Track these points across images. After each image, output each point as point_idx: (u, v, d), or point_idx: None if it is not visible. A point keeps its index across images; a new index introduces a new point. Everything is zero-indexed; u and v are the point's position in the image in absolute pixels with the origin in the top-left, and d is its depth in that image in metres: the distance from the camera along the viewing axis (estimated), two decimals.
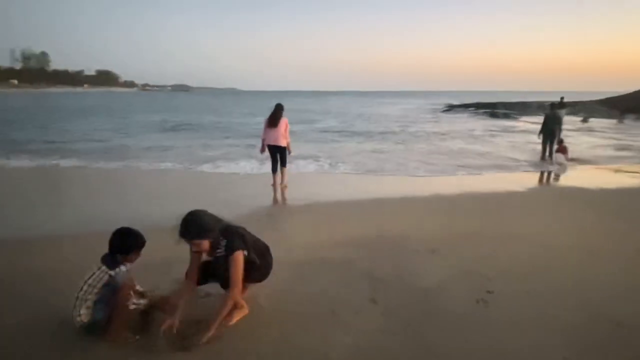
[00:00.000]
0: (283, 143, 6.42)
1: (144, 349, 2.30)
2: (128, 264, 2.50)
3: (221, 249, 2.47)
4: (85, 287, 2.37)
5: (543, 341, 2.42)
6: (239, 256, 2.40)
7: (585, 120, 21.42)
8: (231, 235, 2.45)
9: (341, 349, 2.31)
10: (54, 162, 9.21)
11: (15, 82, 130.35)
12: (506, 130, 17.85)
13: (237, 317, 2.59)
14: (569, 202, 6.05)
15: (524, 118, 23.94)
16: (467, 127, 18.98)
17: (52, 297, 2.80)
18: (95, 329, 2.39)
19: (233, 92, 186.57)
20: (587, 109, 25.98)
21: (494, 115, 26.11)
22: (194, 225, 2.37)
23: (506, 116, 25.59)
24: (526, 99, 39.82)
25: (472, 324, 2.61)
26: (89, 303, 2.38)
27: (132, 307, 2.48)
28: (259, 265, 2.59)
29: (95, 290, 2.38)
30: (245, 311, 2.65)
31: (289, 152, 6.59)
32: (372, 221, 4.72)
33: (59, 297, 2.68)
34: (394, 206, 5.48)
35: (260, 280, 2.72)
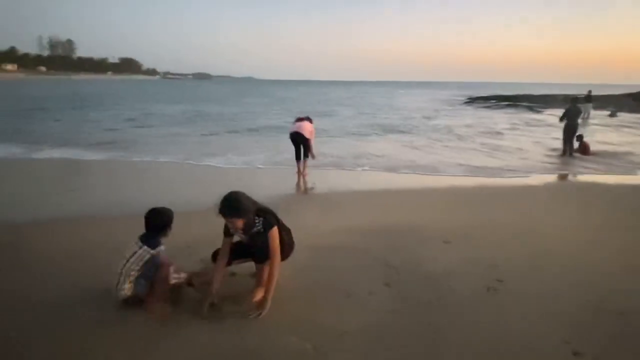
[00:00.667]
0: (306, 134, 6.84)
1: (175, 320, 2.53)
2: (163, 240, 2.73)
3: (258, 227, 2.70)
4: (128, 264, 2.60)
5: (548, 327, 2.53)
6: (276, 231, 2.69)
7: (613, 115, 20.74)
8: (266, 214, 2.72)
9: (355, 326, 2.49)
10: (92, 153, 9.64)
11: (44, 69, 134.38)
12: (530, 124, 17.48)
13: (260, 295, 2.79)
14: (584, 197, 6.02)
15: (549, 111, 23.36)
16: (493, 121, 18.63)
17: (91, 273, 3.06)
18: (136, 302, 2.63)
19: (251, 81, 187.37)
20: (616, 102, 25.10)
21: (516, 108, 25.52)
22: (233, 204, 2.58)
23: (530, 109, 25.00)
24: (549, 91, 38.72)
25: (480, 309, 2.73)
26: (132, 278, 2.61)
27: (173, 281, 2.73)
28: (285, 243, 2.83)
29: (137, 267, 2.62)
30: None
31: (312, 157, 7.00)
32: (389, 212, 4.85)
33: (97, 273, 2.93)
34: (411, 198, 5.59)
35: (284, 259, 2.91)
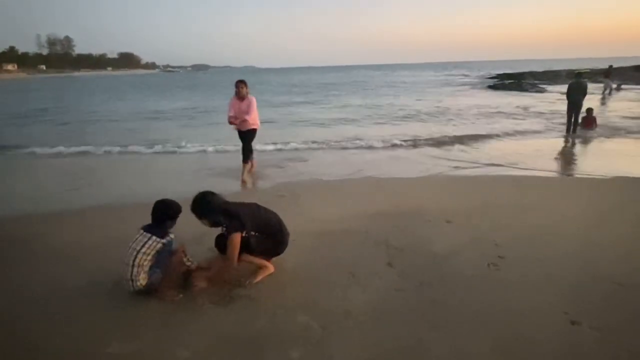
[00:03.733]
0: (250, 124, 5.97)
1: (186, 305, 2.64)
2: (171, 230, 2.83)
3: (223, 230, 2.87)
4: (139, 256, 2.66)
5: (548, 300, 2.62)
6: (234, 237, 2.75)
7: (618, 88, 20.46)
8: (229, 218, 2.79)
9: (359, 305, 2.58)
10: (103, 148, 9.76)
11: (44, 67, 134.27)
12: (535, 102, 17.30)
13: (261, 276, 2.91)
14: (586, 177, 6.04)
15: (554, 87, 23.07)
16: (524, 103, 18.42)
17: (105, 263, 3.17)
18: (149, 291, 2.72)
19: (251, 70, 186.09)
20: (621, 75, 24.69)
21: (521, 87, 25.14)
22: (197, 205, 2.80)
23: (534, 87, 24.65)
24: (552, 67, 38.08)
25: (482, 285, 2.82)
26: (146, 268, 2.70)
27: (187, 263, 2.86)
28: (269, 243, 2.92)
29: (149, 257, 2.70)
30: (270, 270, 2.97)
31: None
32: (393, 197, 4.89)
33: (111, 263, 3.04)
34: (411, 184, 5.62)
35: (274, 255, 3.01)
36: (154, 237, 2.72)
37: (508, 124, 11.34)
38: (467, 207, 4.47)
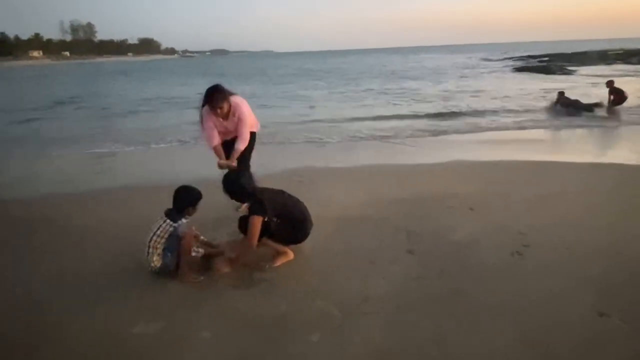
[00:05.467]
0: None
1: (207, 288, 2.69)
2: (188, 217, 2.88)
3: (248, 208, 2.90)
4: (154, 238, 2.77)
5: (575, 291, 2.54)
6: (255, 220, 2.76)
7: None
8: (254, 201, 2.81)
9: (379, 291, 2.57)
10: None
11: (67, 53, 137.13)
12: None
13: (281, 261, 2.93)
14: (617, 163, 5.78)
15: (585, 69, 22.12)
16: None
17: (130, 244, 3.24)
18: (165, 272, 2.81)
19: (269, 55, 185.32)
20: None
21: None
22: (232, 185, 2.87)
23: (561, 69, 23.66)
24: (581, 48, 36.41)
25: (506, 274, 2.76)
26: (159, 251, 2.79)
27: (192, 254, 2.90)
28: (290, 231, 2.93)
29: (163, 240, 2.78)
30: (289, 256, 2.98)
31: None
32: (413, 184, 4.80)
33: (136, 244, 3.09)
34: (431, 170, 5.50)
35: (294, 243, 3.01)
36: (168, 221, 2.79)
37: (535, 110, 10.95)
38: (490, 193, 4.36)
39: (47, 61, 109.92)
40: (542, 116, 10.06)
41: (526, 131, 8.51)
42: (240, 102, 3.70)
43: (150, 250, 2.77)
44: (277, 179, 4.33)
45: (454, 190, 4.50)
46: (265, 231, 2.83)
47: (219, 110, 3.53)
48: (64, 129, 10.45)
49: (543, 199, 4.15)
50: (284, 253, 2.97)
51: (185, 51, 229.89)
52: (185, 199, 2.85)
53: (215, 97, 3.48)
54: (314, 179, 5.20)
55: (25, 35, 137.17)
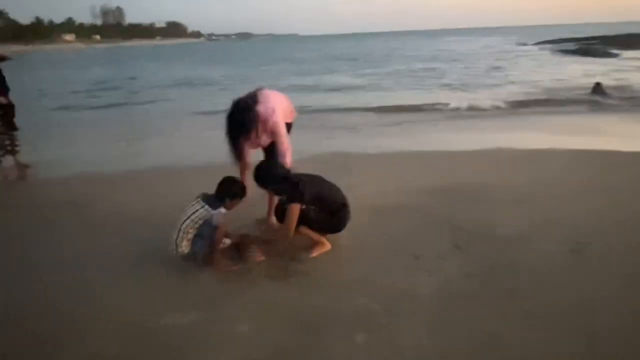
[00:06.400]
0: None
1: (241, 277, 2.57)
2: (225, 210, 2.75)
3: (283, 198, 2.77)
4: (187, 221, 2.65)
5: (637, 293, 2.28)
6: (293, 208, 2.60)
7: None
8: (290, 187, 2.65)
9: (426, 289, 2.38)
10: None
11: (98, 37, 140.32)
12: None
13: (318, 252, 2.78)
14: None
15: (631, 53, 20.67)
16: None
17: (160, 229, 3.14)
18: (192, 259, 2.70)
19: (293, 38, 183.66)
20: None
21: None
22: (261, 174, 2.71)
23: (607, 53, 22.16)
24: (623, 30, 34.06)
25: (561, 274, 2.51)
26: (190, 236, 2.67)
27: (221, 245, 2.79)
28: (328, 219, 2.77)
29: (196, 226, 2.66)
30: (326, 247, 2.82)
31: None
32: (453, 172, 4.53)
33: (166, 229, 2.99)
34: (471, 158, 5.18)
35: (332, 232, 2.85)
36: (206, 207, 2.66)
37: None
38: (535, 184, 4.04)
39: (79, 45, 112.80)
40: (585, 102, 9.44)
41: (568, 117, 8.00)
42: (268, 109, 2.93)
43: (181, 234, 2.66)
44: (307, 165, 4.14)
45: (496, 180, 4.21)
46: (302, 219, 2.68)
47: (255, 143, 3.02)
48: (98, 112, 10.63)
49: (594, 191, 3.81)
50: (321, 243, 2.82)
51: (211, 34, 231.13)
52: (228, 190, 2.74)
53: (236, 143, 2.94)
54: (347, 164, 5.00)
55: (58, 19, 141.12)
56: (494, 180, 4.20)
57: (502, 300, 2.28)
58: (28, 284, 2.62)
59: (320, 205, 2.72)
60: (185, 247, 2.68)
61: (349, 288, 2.42)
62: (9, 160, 5.35)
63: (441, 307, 2.24)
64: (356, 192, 2.95)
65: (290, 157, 3.03)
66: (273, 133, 2.99)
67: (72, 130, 8.22)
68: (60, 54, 60.71)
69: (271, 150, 3.16)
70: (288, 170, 2.78)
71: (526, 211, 3.42)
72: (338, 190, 2.85)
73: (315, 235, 2.80)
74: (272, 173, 2.71)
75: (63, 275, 2.70)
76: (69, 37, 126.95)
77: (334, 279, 2.52)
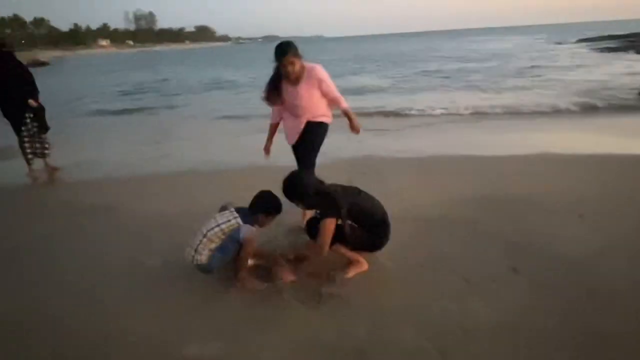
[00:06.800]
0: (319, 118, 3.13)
1: (270, 299, 2.30)
2: (257, 226, 2.52)
3: (317, 212, 2.49)
4: (216, 229, 2.42)
5: None
6: (327, 223, 2.33)
7: None
8: (324, 201, 2.38)
9: (483, 323, 2.03)
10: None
11: (131, 42, 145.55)
12: None
13: (354, 272, 2.49)
14: None
15: None
16: None
17: (184, 238, 2.93)
18: (205, 272, 2.48)
19: (320, 39, 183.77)
20: None
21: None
22: (291, 187, 2.45)
23: None
24: None
25: None
26: (213, 246, 2.43)
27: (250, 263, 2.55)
28: (367, 235, 2.46)
29: (223, 236, 2.43)
30: (364, 267, 2.52)
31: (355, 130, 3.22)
32: (499, 179, 4.12)
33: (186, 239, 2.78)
34: (516, 163, 4.73)
35: (371, 251, 2.55)
36: (238, 218, 2.43)
37: None
38: (598, 196, 3.59)
39: (113, 49, 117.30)
40: (635, 101, 8.69)
41: (618, 118, 7.34)
42: (316, 68, 3.02)
43: (205, 240, 2.42)
44: (335, 172, 3.84)
45: (549, 189, 3.78)
46: (337, 236, 2.39)
47: (289, 68, 2.86)
48: (130, 115, 10.73)
49: None
50: (358, 262, 2.52)
51: (238, 38, 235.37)
52: (261, 204, 2.54)
53: (284, 49, 2.85)
54: (378, 170, 4.68)
55: (94, 25, 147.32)
56: (545, 189, 3.77)
57: (580, 342, 1.90)
58: (43, 292, 2.48)
59: (358, 221, 2.42)
60: (204, 256, 2.43)
61: (393, 318, 2.10)
62: (39, 162, 5.33)
63: (502, 345, 1.89)
64: (392, 202, 2.62)
65: (345, 102, 3.15)
66: (321, 80, 3.01)
67: (104, 133, 8.27)
68: (94, 58, 63.21)
69: (304, 158, 3.19)
70: (321, 182, 2.49)
71: (592, 227, 3.00)
72: (377, 203, 2.54)
73: (350, 254, 2.50)
74: (303, 185, 2.44)
75: (79, 286, 2.54)
76: (104, 42, 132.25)
77: (374, 306, 2.21)
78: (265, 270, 2.55)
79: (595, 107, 8.39)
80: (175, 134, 7.79)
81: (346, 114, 3.18)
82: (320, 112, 3.11)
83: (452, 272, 2.47)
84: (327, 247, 2.34)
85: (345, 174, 4.20)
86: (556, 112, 8.10)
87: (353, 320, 2.10)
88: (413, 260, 2.63)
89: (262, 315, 2.18)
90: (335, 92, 3.10)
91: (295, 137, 3.16)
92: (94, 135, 8.07)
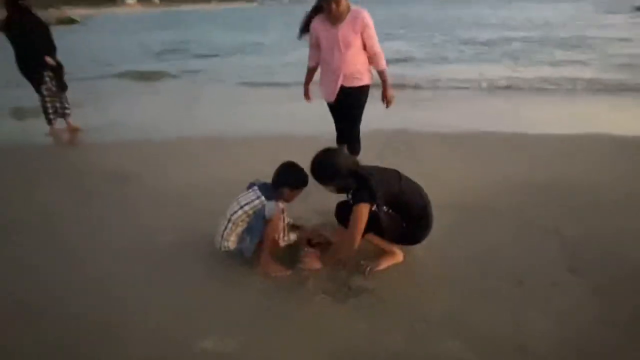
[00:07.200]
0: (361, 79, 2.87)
1: (294, 291, 2.07)
2: (283, 202, 2.27)
3: (349, 197, 2.14)
4: (239, 212, 2.22)
5: None
6: (361, 209, 2.01)
7: None
8: (361, 184, 2.05)
9: (540, 338, 1.73)
10: None
11: (157, 1, 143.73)
12: None
13: (387, 263, 2.22)
14: None
15: None
16: None
17: (206, 215, 2.68)
18: (237, 256, 2.27)
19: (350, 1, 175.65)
20: None
21: None
22: (320, 168, 2.15)
23: None
24: None
25: None
26: (239, 230, 2.25)
27: (282, 244, 2.32)
28: (405, 226, 2.16)
29: (248, 219, 2.23)
30: (398, 258, 2.25)
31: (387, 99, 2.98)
32: (551, 163, 3.68)
33: (213, 215, 2.49)
34: (572, 144, 4.23)
35: (410, 243, 2.25)
36: (262, 198, 2.20)
37: None
38: None
39: (140, 8, 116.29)
40: None
41: None
42: (362, 12, 2.73)
43: (230, 225, 2.23)
44: (365, 147, 3.47)
45: (612, 175, 3.33)
46: (371, 225, 2.09)
47: (333, 2, 2.57)
48: (155, 79, 10.49)
49: None
50: (392, 253, 2.24)
51: None
52: (285, 177, 2.27)
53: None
54: (412, 147, 4.29)
55: None
56: (606, 176, 3.33)
57: None
58: (48, 271, 2.32)
59: (396, 209, 2.11)
60: (232, 242, 2.26)
61: (434, 324, 1.83)
62: (61, 122, 5.20)
63: None
64: (429, 186, 2.25)
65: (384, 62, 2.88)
66: (366, 26, 2.72)
67: (131, 96, 8.08)
68: (120, 17, 62.85)
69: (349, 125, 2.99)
70: (356, 162, 2.17)
71: None
72: (418, 188, 2.22)
73: (384, 244, 2.22)
74: (334, 165, 2.10)
75: (86, 265, 2.37)
76: (131, 0, 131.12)
77: (412, 307, 1.94)
78: (293, 253, 2.32)
79: None
80: (202, 99, 7.53)
81: (382, 77, 2.91)
82: (359, 66, 2.82)
83: (501, 272, 2.16)
84: (359, 236, 2.05)
85: (374, 149, 3.86)
86: (608, 87, 7.32)
87: (385, 321, 1.85)
88: (456, 254, 2.33)
89: (285, 308, 1.96)
90: (378, 45, 2.82)
91: (332, 95, 2.91)
92: (120, 98, 7.87)
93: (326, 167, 2.12)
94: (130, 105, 7.08)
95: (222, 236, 2.26)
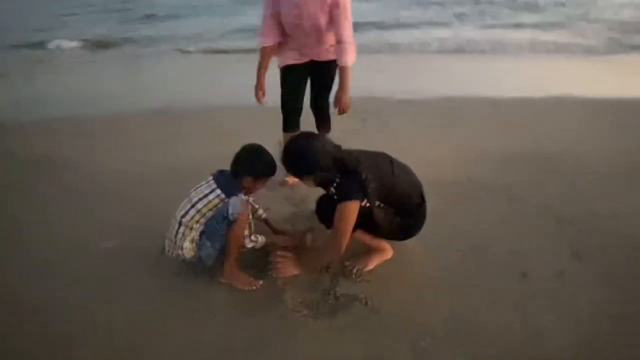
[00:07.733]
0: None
1: (269, 305, 1.72)
2: (248, 196, 1.86)
3: (332, 191, 1.72)
4: (191, 212, 1.79)
5: None
6: (349, 207, 1.64)
7: None
8: (344, 175, 1.67)
9: (562, 350, 1.50)
10: None
11: None
12: None
13: (375, 262, 1.91)
14: None
15: None
16: None
17: (158, 210, 2.24)
18: (197, 267, 1.87)
19: None
20: None
21: None
22: (293, 157, 1.72)
23: None
24: None
25: None
26: (195, 234, 1.82)
27: (249, 245, 1.90)
28: (399, 221, 1.81)
29: (203, 220, 1.80)
30: (387, 255, 1.95)
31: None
32: (524, 130, 3.45)
33: (166, 207, 2.02)
34: (545, 109, 4.04)
35: (403, 239, 1.93)
36: (218, 191, 1.78)
37: None
38: None
39: None
40: None
41: None
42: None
43: (182, 229, 1.80)
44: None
45: (603, 143, 3.15)
46: (363, 221, 1.73)
47: None
48: (98, 48, 9.20)
49: None
50: (380, 250, 1.93)
51: None
52: (246, 164, 1.82)
53: None
54: (381, 116, 3.92)
55: None
56: (591, 144, 3.16)
57: None
58: None
59: (388, 202, 1.77)
60: (188, 250, 1.82)
61: (439, 338, 1.56)
62: None
63: None
64: (404, 161, 1.92)
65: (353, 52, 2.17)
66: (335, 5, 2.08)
67: (58, 65, 6.98)
68: None
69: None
70: (338, 147, 1.75)
71: None
72: (412, 177, 1.88)
73: (372, 240, 1.90)
74: (313, 154, 1.66)
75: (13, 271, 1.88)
76: None
77: (411, 317, 1.64)
78: (264, 257, 1.93)
79: None
80: (146, 68, 6.65)
81: (343, 75, 2.20)
82: (330, 38, 2.25)
83: (501, 261, 1.93)
84: (346, 239, 1.68)
85: (339, 120, 3.45)
86: (594, 47, 7.14)
87: (387, 341, 1.55)
88: (447, 242, 2.06)
89: (256, 334, 1.60)
90: (349, 32, 2.16)
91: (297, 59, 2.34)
92: (49, 68, 6.78)
93: (303, 156, 1.68)
94: (61, 77, 6.11)
95: (175, 242, 1.83)
